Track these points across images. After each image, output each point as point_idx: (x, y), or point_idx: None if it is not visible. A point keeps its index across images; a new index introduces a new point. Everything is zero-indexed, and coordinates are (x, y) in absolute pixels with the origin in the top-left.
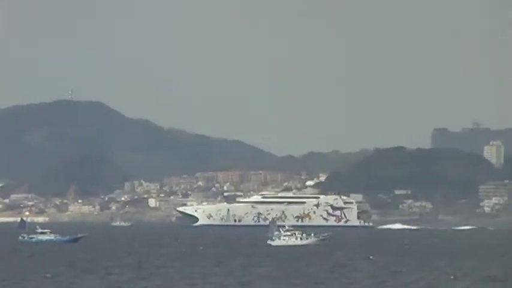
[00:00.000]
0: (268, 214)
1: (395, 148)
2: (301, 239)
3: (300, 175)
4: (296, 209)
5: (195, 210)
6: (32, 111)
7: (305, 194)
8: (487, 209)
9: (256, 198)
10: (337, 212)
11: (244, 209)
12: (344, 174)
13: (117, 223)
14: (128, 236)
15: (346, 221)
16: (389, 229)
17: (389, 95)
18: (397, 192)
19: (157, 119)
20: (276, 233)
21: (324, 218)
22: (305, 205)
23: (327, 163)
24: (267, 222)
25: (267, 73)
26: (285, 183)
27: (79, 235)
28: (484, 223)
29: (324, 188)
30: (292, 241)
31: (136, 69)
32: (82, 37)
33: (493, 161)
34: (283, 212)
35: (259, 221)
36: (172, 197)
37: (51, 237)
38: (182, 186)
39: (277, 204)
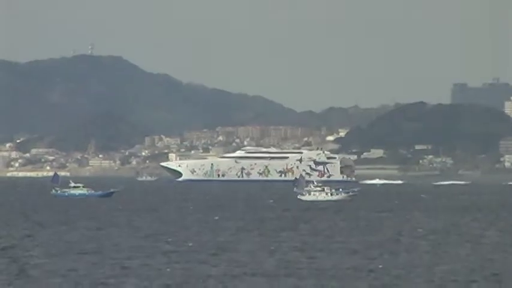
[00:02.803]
0: (252, 169)
1: (415, 103)
2: (331, 194)
3: (320, 130)
4: (279, 164)
5: (179, 165)
6: (53, 66)
7: (326, 149)
8: (507, 164)
9: (239, 153)
10: (320, 167)
11: (228, 164)
12: (364, 129)
13: (143, 178)
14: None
15: (328, 176)
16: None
17: (409, 50)
18: (418, 147)
19: (176, 73)
20: (306, 188)
21: (307, 173)
22: (288, 160)
23: (347, 118)
24: (250, 177)
25: (287, 29)
26: (305, 139)
27: (112, 190)
28: (503, 178)
29: (344, 143)
30: (322, 196)
31: (156, 24)
32: None
33: None
34: (266, 166)
35: (242, 176)
36: (193, 152)
37: (84, 191)
38: (203, 141)
39: (261, 159)
